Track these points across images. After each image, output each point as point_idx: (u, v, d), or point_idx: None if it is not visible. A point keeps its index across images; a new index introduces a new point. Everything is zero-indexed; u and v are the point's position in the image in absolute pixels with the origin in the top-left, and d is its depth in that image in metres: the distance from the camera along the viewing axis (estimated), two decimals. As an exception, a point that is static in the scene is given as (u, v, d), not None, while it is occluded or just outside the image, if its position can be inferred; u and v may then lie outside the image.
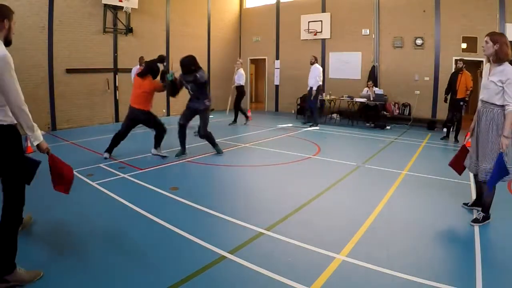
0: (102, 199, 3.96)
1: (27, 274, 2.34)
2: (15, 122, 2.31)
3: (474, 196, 4.01)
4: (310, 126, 9.62)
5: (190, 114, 6.00)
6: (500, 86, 3.11)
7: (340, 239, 3.04)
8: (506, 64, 3.12)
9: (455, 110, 7.61)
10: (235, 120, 9.87)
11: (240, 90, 9.63)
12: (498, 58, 3.14)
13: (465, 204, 3.89)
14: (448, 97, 7.83)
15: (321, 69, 9.78)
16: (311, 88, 9.65)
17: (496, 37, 3.15)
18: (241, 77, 9.62)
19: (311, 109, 9.90)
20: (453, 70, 8.18)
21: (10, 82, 2.18)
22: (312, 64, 9.72)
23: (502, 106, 3.14)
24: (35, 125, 2.38)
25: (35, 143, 2.46)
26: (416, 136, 8.36)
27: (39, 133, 2.44)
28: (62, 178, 2.80)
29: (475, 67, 9.91)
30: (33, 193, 3.04)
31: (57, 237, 3.04)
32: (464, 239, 3.13)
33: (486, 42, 3.18)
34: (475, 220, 3.41)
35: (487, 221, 3.40)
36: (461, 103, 7.50)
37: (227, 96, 13.61)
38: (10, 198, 2.31)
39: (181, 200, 3.94)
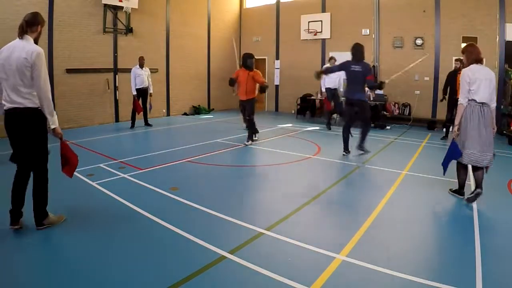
0: (102, 199, 3.96)
1: (55, 218, 3.19)
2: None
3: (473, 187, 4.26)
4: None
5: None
6: None
7: (340, 239, 3.04)
8: (469, 67, 3.84)
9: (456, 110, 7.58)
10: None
11: None
12: (468, 65, 3.90)
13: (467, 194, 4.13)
14: (447, 97, 7.80)
15: None
16: (335, 89, 9.22)
17: (464, 49, 3.96)
18: None
19: (338, 111, 9.50)
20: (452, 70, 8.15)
21: (43, 72, 2.84)
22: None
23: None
24: (55, 112, 2.98)
25: (52, 127, 2.99)
26: (416, 136, 8.36)
27: (56, 118, 3.00)
28: (68, 163, 3.25)
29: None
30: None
31: (56, 236, 3.03)
32: (464, 239, 3.12)
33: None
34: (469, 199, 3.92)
35: (459, 195, 4.07)
36: None
37: (227, 96, 13.62)
38: (38, 166, 3.04)
39: (181, 200, 3.94)
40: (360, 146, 6.21)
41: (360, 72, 5.87)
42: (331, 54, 11.73)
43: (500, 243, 3.04)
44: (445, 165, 4.06)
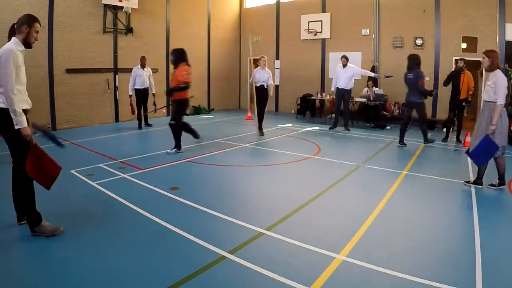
0: (102, 199, 3.96)
1: (50, 228, 3.01)
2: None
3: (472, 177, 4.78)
4: (348, 130, 8.94)
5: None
6: (493, 87, 4.17)
7: (340, 239, 3.04)
8: (497, 71, 4.23)
9: (459, 111, 7.57)
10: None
11: (267, 91, 8.53)
12: (491, 69, 4.26)
13: (467, 182, 4.53)
14: (449, 86, 7.69)
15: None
16: (343, 89, 8.78)
17: (489, 53, 4.27)
18: (269, 76, 8.58)
19: (345, 112, 9.14)
20: (453, 69, 8.12)
21: (7, 71, 2.73)
22: (345, 65, 8.79)
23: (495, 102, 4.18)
24: (19, 111, 2.77)
25: (16, 127, 2.79)
26: (416, 136, 8.34)
27: (22, 118, 2.80)
28: (42, 170, 2.98)
29: (475, 67, 9.90)
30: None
31: (55, 236, 3.03)
32: (464, 239, 3.12)
33: (483, 58, 4.30)
34: (492, 185, 4.40)
35: (502, 186, 4.38)
36: (464, 103, 7.47)
37: (227, 97, 13.63)
38: (19, 167, 2.92)
39: (181, 200, 3.94)
40: (425, 140, 7.20)
41: (413, 79, 7.01)
42: (331, 54, 11.83)
43: (500, 243, 3.04)
44: (482, 161, 4.32)
